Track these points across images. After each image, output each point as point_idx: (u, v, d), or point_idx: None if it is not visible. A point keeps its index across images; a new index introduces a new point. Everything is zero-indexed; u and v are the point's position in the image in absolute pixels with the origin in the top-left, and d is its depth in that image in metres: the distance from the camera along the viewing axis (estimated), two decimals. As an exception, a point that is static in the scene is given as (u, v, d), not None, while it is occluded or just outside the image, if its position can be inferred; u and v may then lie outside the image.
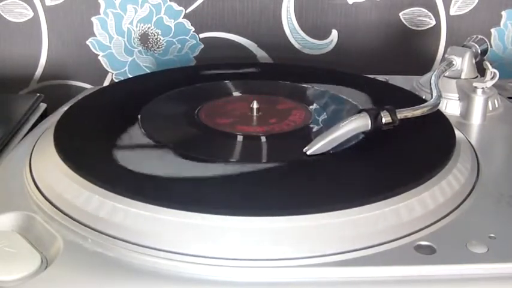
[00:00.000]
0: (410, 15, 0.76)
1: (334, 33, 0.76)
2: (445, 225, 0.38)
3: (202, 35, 0.75)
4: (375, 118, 0.44)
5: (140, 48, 0.75)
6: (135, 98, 0.53)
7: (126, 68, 0.76)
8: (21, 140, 0.52)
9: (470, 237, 0.36)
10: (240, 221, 0.35)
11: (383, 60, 0.77)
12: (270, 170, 0.42)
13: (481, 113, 0.54)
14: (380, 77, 0.62)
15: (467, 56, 0.57)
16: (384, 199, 0.37)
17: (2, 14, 0.73)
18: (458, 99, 0.56)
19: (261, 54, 0.76)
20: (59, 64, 0.75)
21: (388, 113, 0.44)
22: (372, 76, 0.62)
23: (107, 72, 0.76)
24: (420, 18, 0.76)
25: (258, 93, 0.54)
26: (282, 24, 0.75)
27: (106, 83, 0.77)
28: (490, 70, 0.53)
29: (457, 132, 0.48)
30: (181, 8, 0.74)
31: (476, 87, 0.54)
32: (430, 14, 0.76)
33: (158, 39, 0.75)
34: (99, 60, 0.76)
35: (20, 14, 0.73)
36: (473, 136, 0.51)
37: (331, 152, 0.43)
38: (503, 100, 0.58)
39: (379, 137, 0.44)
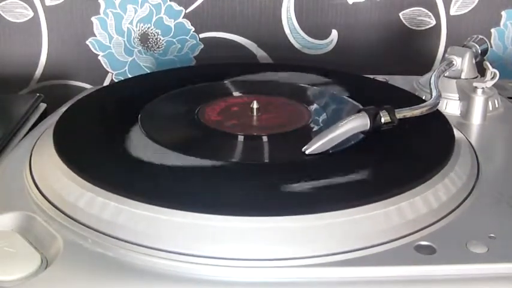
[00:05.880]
0: (410, 15, 0.76)
1: (334, 33, 0.76)
2: (445, 225, 0.38)
3: (202, 35, 0.75)
4: (374, 118, 0.44)
5: (140, 48, 0.75)
6: (135, 98, 0.53)
7: (126, 68, 0.76)
8: (21, 140, 0.52)
9: (470, 237, 0.36)
10: (240, 221, 0.35)
11: (383, 60, 0.77)
12: (270, 169, 0.42)
13: (481, 113, 0.54)
14: (380, 77, 0.62)
15: (467, 56, 0.57)
16: (383, 199, 0.37)
17: (2, 14, 0.73)
18: (458, 99, 0.56)
19: (261, 54, 0.76)
20: (59, 64, 0.75)
21: (387, 113, 0.44)
22: (372, 76, 0.62)
23: (107, 72, 0.76)
24: (420, 18, 0.76)
25: (258, 93, 0.54)
26: (282, 24, 0.75)
27: (106, 83, 0.77)
28: (490, 70, 0.53)
29: (457, 132, 0.48)
30: (181, 8, 0.74)
31: (476, 87, 0.54)
32: (430, 14, 0.76)
33: (158, 39, 0.75)
34: (99, 60, 0.76)
35: (20, 14, 0.73)
36: (473, 136, 0.51)
37: (330, 151, 0.43)
38: (503, 100, 0.58)
39: (378, 136, 0.44)
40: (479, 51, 0.58)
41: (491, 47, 0.77)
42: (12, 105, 0.61)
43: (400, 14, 0.76)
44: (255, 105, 0.50)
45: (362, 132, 0.44)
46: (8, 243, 0.36)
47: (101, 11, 0.74)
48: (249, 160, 0.43)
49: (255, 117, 0.50)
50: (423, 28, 0.76)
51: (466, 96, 0.54)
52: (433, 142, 0.46)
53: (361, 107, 0.51)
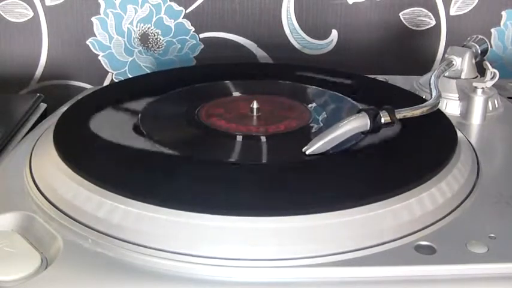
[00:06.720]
0: (410, 15, 0.76)
1: (334, 33, 0.76)
2: (445, 225, 0.38)
3: (202, 35, 0.75)
4: (374, 118, 0.44)
5: (140, 48, 0.75)
6: (135, 98, 0.53)
7: (126, 68, 0.76)
8: (21, 140, 0.52)
9: (470, 237, 0.36)
10: (240, 221, 0.35)
11: (383, 60, 0.77)
12: (270, 170, 0.42)
13: (481, 113, 0.54)
14: (380, 77, 0.62)
15: (467, 56, 0.57)
16: (384, 199, 0.37)
17: (2, 14, 0.73)
18: (458, 99, 0.56)
19: (261, 54, 0.76)
20: (59, 64, 0.75)
21: (387, 113, 0.44)
22: (372, 76, 0.62)
23: (107, 72, 0.76)
24: (420, 18, 0.76)
25: (258, 93, 0.54)
26: (282, 24, 0.75)
27: (106, 83, 0.77)
28: (490, 70, 0.53)
29: (457, 132, 0.48)
30: (181, 8, 0.74)
31: (476, 87, 0.54)
32: (430, 14, 0.76)
33: (158, 39, 0.75)
34: (99, 60, 0.76)
35: (20, 14, 0.73)
36: (473, 136, 0.51)
37: (330, 152, 0.43)
38: (503, 100, 0.58)
39: (379, 137, 0.44)
40: (479, 51, 0.58)
41: (491, 47, 0.77)
42: (12, 105, 0.61)
43: (400, 14, 0.76)
44: (255, 105, 0.50)
45: (362, 133, 0.44)
46: (8, 243, 0.36)
47: (101, 11, 0.74)
48: (249, 160, 0.43)
49: (255, 117, 0.50)
50: (423, 28, 0.76)
51: (466, 96, 0.54)
52: (434, 142, 0.46)
53: (361, 107, 0.51)
